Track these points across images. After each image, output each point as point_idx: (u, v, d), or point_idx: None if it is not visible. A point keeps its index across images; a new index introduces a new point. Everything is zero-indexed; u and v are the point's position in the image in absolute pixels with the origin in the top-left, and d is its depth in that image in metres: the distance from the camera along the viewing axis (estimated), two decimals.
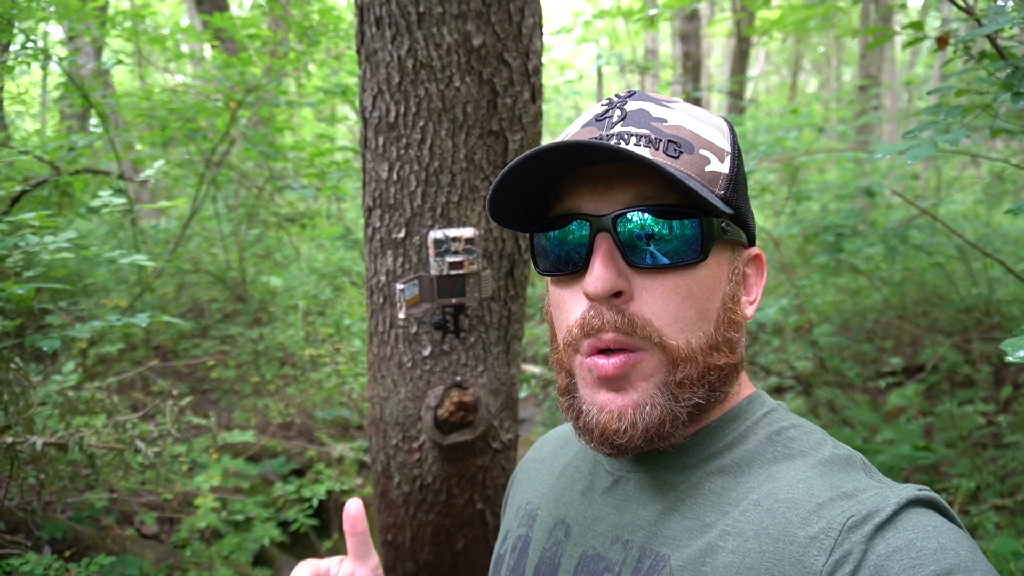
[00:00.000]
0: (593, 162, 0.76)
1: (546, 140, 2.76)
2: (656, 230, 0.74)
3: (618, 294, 0.74)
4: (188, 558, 2.79)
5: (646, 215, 0.74)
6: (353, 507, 0.87)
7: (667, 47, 15.41)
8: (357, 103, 5.69)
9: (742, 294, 0.82)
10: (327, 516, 3.92)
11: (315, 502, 3.50)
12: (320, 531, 3.79)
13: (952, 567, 0.60)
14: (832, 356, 5.36)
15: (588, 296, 0.74)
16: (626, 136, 0.75)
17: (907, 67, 17.27)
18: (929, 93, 1.89)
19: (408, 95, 1.80)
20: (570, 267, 0.78)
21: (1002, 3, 2.32)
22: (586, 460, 0.93)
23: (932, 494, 0.69)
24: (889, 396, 4.99)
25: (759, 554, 0.68)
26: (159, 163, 3.08)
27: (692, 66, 9.66)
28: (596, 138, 0.75)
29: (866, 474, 0.74)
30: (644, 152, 0.72)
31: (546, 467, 1.01)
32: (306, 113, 7.38)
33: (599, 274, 0.73)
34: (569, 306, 0.78)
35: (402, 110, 1.82)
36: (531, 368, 6.09)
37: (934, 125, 1.58)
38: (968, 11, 2.21)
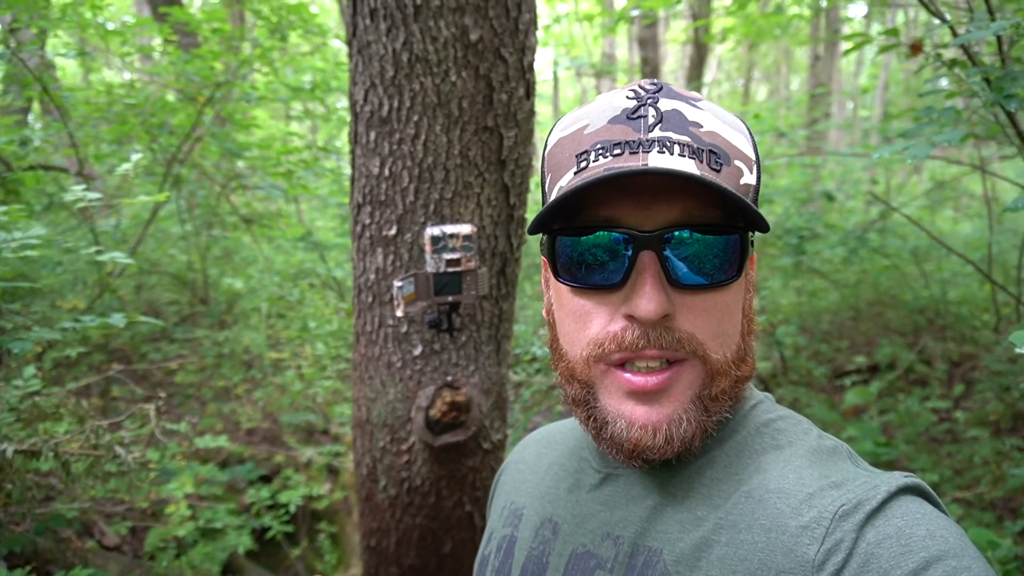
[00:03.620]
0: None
1: None
2: (703, 250, 0.72)
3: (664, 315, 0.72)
4: (159, 569, 2.68)
5: (695, 235, 0.71)
6: None
7: (623, 52, 15.58)
8: (323, 100, 5.60)
9: (753, 299, 0.83)
10: (295, 523, 3.82)
11: (292, 507, 3.41)
12: (289, 537, 3.69)
13: (941, 553, 0.61)
14: (795, 356, 5.48)
15: (638, 319, 0.71)
16: (668, 143, 0.71)
17: (852, 77, 17.85)
18: (921, 95, 1.94)
19: (402, 89, 1.77)
20: (602, 279, 0.73)
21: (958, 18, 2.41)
22: (572, 458, 0.92)
23: (919, 481, 0.70)
24: (846, 395, 5.12)
25: (752, 545, 0.68)
26: (136, 156, 2.95)
27: (650, 71, 9.77)
28: (634, 141, 0.72)
29: (853, 463, 0.75)
30: (689, 163, 0.70)
31: (529, 467, 1.00)
32: (258, 112, 7.18)
33: (652, 297, 0.70)
34: (596, 319, 0.75)
35: (395, 104, 1.78)
36: None
37: (928, 126, 1.63)
38: (941, 17, 2.28)
